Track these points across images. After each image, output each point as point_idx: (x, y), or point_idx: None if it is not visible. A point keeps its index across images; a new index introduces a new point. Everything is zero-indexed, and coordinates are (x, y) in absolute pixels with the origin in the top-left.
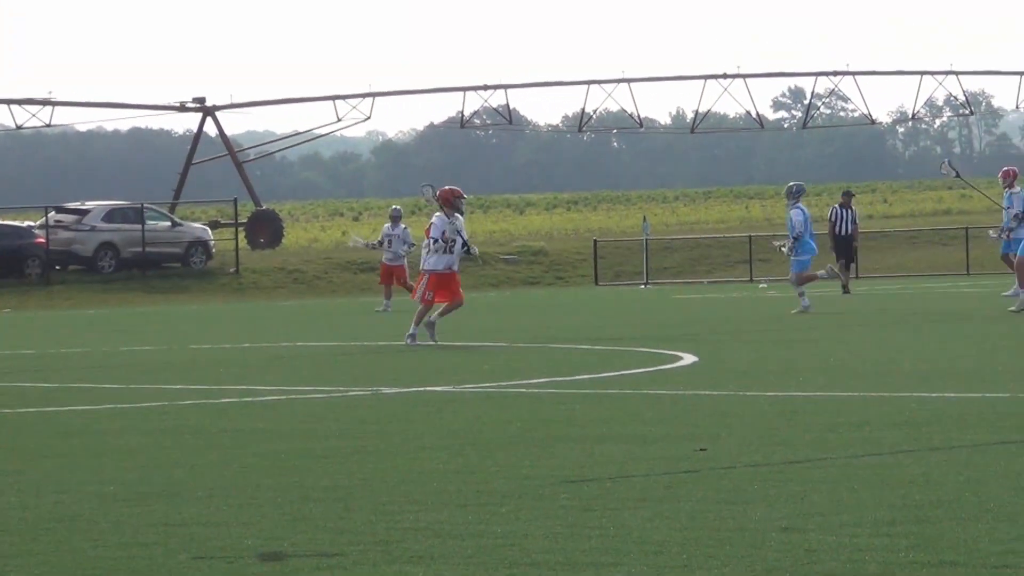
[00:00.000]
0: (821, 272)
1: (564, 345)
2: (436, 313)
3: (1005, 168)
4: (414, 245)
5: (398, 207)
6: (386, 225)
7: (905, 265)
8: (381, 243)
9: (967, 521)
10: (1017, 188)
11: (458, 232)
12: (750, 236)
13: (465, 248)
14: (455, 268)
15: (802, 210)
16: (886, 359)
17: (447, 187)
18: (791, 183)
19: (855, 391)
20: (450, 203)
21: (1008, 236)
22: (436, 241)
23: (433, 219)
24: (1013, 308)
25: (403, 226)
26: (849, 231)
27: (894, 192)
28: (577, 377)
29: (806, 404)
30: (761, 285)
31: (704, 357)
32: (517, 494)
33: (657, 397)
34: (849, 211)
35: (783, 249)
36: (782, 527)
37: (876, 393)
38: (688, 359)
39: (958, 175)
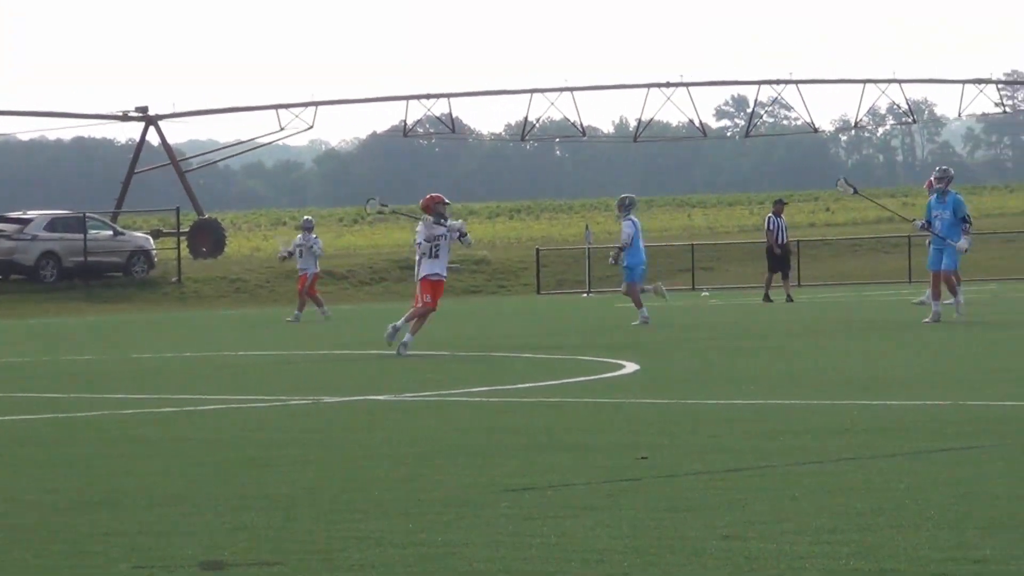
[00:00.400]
0: (649, 288)
1: (506, 354)
2: (407, 332)
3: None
4: (321, 255)
5: (309, 217)
6: (299, 236)
7: (847, 273)
8: (291, 253)
9: (908, 529)
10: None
11: (443, 224)
12: (692, 245)
13: (459, 236)
14: (443, 275)
15: (633, 222)
16: (828, 367)
17: (429, 195)
18: (623, 195)
19: (796, 399)
20: (432, 210)
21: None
22: (420, 244)
23: (418, 227)
24: (927, 319)
25: (314, 236)
26: (785, 240)
27: (836, 200)
28: (519, 386)
29: (747, 412)
30: (703, 293)
31: (646, 365)
32: (458, 503)
33: (599, 406)
34: (783, 220)
35: (611, 260)
36: (723, 535)
37: (817, 401)
38: (630, 367)
39: (856, 191)
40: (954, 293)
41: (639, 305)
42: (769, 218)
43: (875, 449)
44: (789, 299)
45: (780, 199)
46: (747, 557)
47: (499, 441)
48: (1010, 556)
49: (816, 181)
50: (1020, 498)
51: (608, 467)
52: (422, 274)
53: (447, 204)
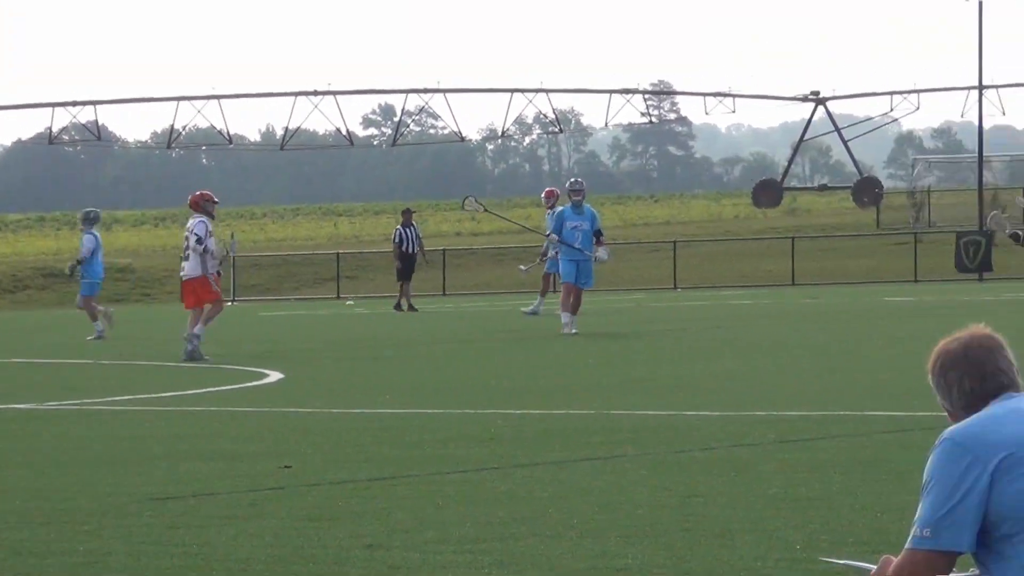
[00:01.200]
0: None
1: (149, 362)
2: (198, 327)
3: (548, 189)
4: None
5: None
6: None
7: (491, 283)
8: None
9: (551, 538)
10: (559, 208)
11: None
12: (338, 253)
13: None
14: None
15: (94, 236)
16: (471, 376)
17: (199, 192)
18: (86, 209)
19: (440, 408)
20: (200, 207)
21: (552, 256)
22: (202, 240)
23: (198, 220)
24: (572, 331)
25: None
26: (414, 250)
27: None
28: (162, 394)
29: (392, 421)
30: (348, 302)
31: (290, 374)
32: (100, 512)
33: (243, 414)
34: (412, 229)
35: (68, 272)
36: (367, 544)
37: (461, 410)
38: (274, 376)
39: (486, 210)
40: (574, 311)
41: (94, 319)
42: (397, 230)
43: (518, 458)
44: (400, 308)
45: (407, 208)
46: (390, 566)
47: (142, 450)
48: (651, 564)
49: (463, 190)
50: (661, 507)
51: (251, 476)
52: (212, 270)
53: (216, 203)
